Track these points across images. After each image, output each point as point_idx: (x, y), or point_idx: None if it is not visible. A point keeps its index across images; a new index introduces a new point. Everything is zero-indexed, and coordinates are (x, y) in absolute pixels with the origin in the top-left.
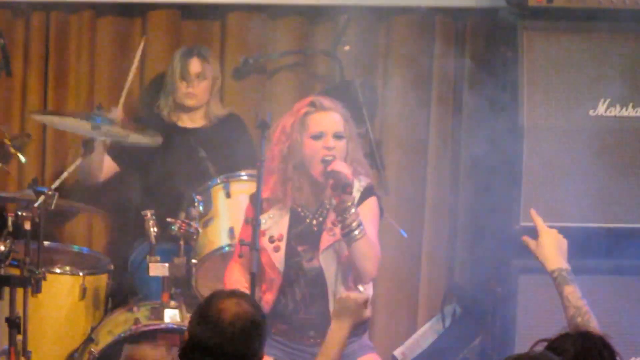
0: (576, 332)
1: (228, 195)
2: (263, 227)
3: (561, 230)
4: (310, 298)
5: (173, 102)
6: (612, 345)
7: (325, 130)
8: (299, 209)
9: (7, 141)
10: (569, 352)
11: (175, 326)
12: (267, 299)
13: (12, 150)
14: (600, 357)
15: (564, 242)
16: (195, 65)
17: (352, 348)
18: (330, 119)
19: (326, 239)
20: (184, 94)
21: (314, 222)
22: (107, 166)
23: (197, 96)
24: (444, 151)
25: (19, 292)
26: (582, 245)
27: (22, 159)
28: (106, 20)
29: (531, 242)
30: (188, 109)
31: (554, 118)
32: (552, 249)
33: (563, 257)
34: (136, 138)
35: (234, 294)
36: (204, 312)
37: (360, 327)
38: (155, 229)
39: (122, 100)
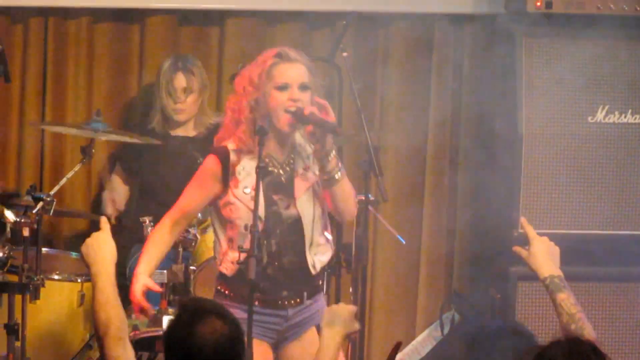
0: (565, 338)
1: None
2: (238, 177)
3: (559, 237)
4: (285, 248)
5: (163, 116)
6: (601, 350)
7: (290, 81)
8: (267, 160)
9: None
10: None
11: None
12: (233, 258)
13: None
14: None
15: (556, 249)
16: (180, 80)
17: (305, 315)
18: (295, 70)
19: (300, 185)
20: (172, 110)
21: (282, 172)
22: (124, 193)
23: (185, 111)
24: (442, 158)
25: (17, 298)
26: (580, 252)
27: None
28: (104, 26)
29: (523, 251)
30: (178, 123)
31: (552, 125)
32: (543, 256)
33: (555, 264)
34: (135, 139)
35: (207, 311)
36: (177, 341)
37: (317, 294)
38: None
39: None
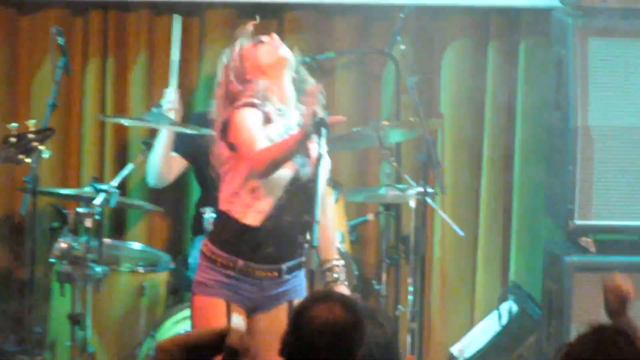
0: (590, 328)
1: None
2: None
3: (616, 228)
4: (294, 205)
5: None
6: (627, 332)
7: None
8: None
9: (30, 135)
10: (588, 350)
11: None
12: (262, 208)
13: (35, 144)
14: (616, 346)
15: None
16: None
17: (280, 289)
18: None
19: (312, 147)
20: None
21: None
22: (176, 165)
23: None
24: (498, 150)
25: (81, 289)
26: (637, 243)
27: (46, 154)
28: (164, 18)
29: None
30: None
31: (607, 117)
32: (622, 304)
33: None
34: (193, 130)
35: (328, 297)
36: (295, 321)
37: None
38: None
39: (174, 82)
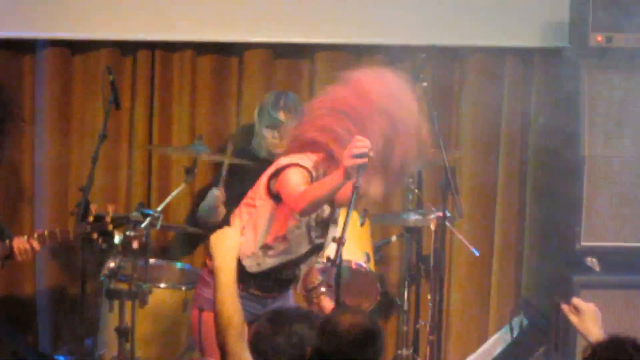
0: (608, 337)
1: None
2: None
3: (618, 249)
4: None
5: (265, 147)
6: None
7: None
8: None
9: (107, 219)
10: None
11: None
12: (268, 264)
13: (110, 228)
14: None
15: (599, 315)
16: (281, 117)
17: (279, 302)
18: None
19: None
20: (271, 143)
21: None
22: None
23: (284, 145)
24: (511, 178)
25: (128, 304)
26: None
27: (117, 239)
28: (206, 58)
29: (573, 317)
30: (278, 155)
31: (612, 148)
32: (593, 322)
33: (600, 327)
34: (235, 160)
35: (351, 310)
36: (323, 326)
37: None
38: None
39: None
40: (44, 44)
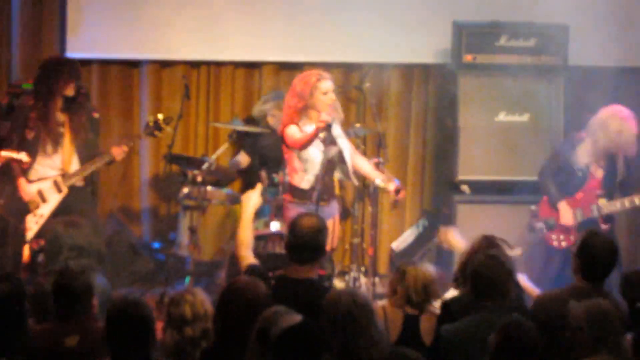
0: (481, 237)
1: None
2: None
3: (480, 180)
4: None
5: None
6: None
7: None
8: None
9: (159, 119)
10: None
11: (275, 231)
12: (309, 179)
13: (163, 125)
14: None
15: (457, 232)
16: (271, 104)
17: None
18: (330, 84)
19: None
20: (270, 118)
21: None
22: (244, 160)
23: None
24: (418, 142)
25: (195, 213)
26: (499, 189)
27: (168, 129)
28: (242, 70)
29: (443, 238)
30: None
31: (478, 120)
32: (454, 240)
33: (460, 240)
34: (255, 128)
35: (307, 214)
36: (291, 225)
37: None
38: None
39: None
40: (143, 62)
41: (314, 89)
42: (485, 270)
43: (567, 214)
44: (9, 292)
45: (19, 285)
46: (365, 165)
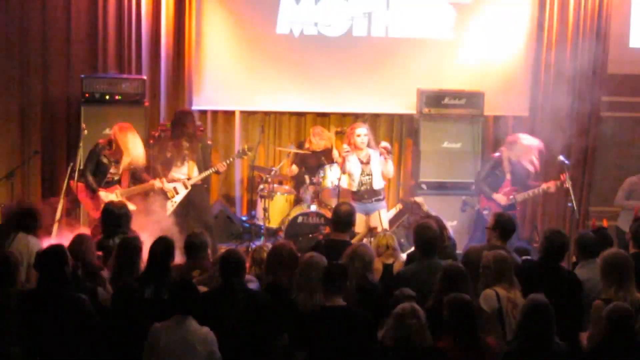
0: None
1: None
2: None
3: (434, 181)
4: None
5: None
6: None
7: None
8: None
9: (246, 149)
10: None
11: (314, 210)
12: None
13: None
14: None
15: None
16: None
17: (376, 206)
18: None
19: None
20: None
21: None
22: (295, 169)
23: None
24: (395, 155)
25: (268, 200)
26: (451, 187)
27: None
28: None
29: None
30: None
31: (436, 145)
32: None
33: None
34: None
35: (345, 202)
36: (335, 209)
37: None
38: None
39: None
40: (237, 111)
41: (351, 133)
42: (423, 233)
43: (501, 199)
44: (165, 246)
45: (169, 241)
46: (384, 170)
